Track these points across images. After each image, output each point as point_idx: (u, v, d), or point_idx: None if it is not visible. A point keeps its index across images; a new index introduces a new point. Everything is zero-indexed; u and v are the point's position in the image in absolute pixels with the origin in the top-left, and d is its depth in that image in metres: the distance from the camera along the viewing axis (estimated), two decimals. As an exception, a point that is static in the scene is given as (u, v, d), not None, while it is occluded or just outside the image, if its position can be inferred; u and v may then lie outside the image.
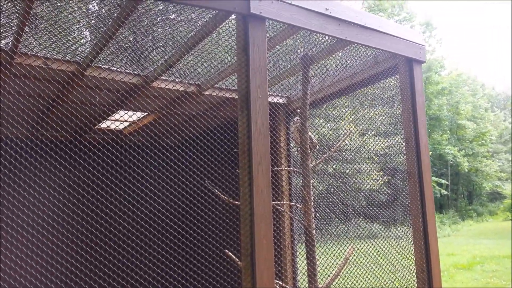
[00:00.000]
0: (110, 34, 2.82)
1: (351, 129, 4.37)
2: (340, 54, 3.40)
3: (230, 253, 2.82)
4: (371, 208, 4.27)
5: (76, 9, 3.32)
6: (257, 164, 2.19)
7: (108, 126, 5.15)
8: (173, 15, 3.03)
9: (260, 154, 2.21)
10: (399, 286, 3.30)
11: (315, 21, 2.62)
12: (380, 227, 4.27)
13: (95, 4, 3.50)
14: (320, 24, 2.65)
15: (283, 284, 2.87)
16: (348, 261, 3.05)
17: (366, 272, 3.44)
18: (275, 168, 3.91)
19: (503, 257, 12.76)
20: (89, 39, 3.91)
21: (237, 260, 2.87)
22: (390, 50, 3.05)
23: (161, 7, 2.96)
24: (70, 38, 3.64)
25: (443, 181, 30.45)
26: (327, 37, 3.04)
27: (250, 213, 2.14)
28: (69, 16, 3.30)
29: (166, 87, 3.80)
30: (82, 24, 3.62)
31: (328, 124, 4.63)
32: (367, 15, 2.95)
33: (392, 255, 3.46)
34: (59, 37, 3.39)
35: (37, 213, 5.05)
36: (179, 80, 3.87)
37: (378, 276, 3.39)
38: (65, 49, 3.47)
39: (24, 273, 4.99)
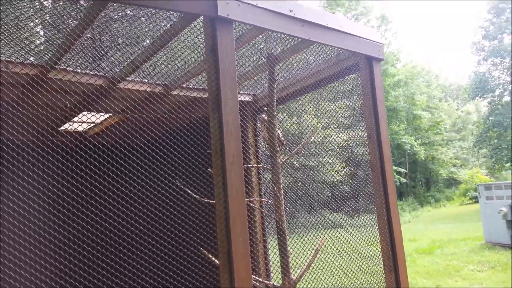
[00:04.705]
0: (75, 36, 2.79)
1: (315, 123, 4.50)
2: (304, 53, 3.50)
3: (205, 251, 2.87)
4: (335, 199, 4.42)
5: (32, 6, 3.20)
6: (230, 164, 2.26)
7: (72, 128, 5.03)
8: (144, 19, 3.03)
9: (232, 154, 2.28)
10: (366, 272, 3.47)
11: (280, 23, 2.71)
12: (344, 216, 4.44)
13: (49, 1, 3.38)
14: (284, 25, 2.73)
15: (259, 278, 2.95)
16: (319, 251, 3.17)
17: (336, 261, 3.59)
18: (245, 165, 3.98)
19: (460, 240, 13.47)
20: (43, 39, 3.79)
21: (212, 257, 2.93)
22: (351, 49, 3.18)
23: (129, 12, 2.95)
24: (26, 38, 3.52)
25: (402, 170, 31.64)
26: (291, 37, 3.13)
27: (225, 212, 2.20)
28: (25, 14, 3.19)
29: (132, 88, 3.77)
30: (37, 22, 3.50)
31: (293, 119, 4.75)
32: (329, 15, 3.06)
33: (358, 243, 3.63)
34: (16, 39, 3.29)
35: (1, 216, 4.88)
36: (146, 80, 3.85)
37: (348, 264, 3.55)
38: (24, 53, 3.37)
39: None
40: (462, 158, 42.11)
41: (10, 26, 3.11)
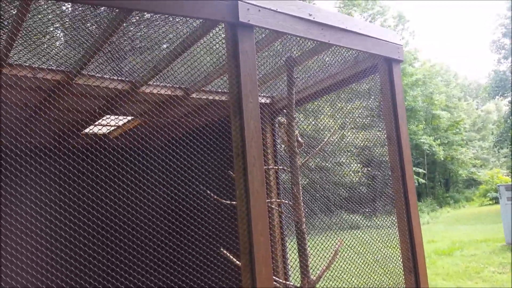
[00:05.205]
0: (101, 42, 2.88)
1: (332, 124, 4.51)
2: (323, 55, 3.53)
3: (226, 252, 2.93)
4: (353, 200, 4.41)
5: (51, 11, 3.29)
6: (252, 166, 2.31)
7: (94, 131, 5.16)
8: (161, 22, 3.10)
9: (253, 156, 2.33)
10: (385, 273, 3.48)
11: (300, 27, 2.75)
12: (362, 218, 4.43)
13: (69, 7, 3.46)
14: (304, 29, 2.77)
15: (278, 279, 3.00)
16: (338, 252, 3.20)
17: (355, 262, 3.60)
18: (265, 167, 4.02)
19: (481, 242, 13.24)
20: (63, 44, 3.88)
21: (232, 257, 2.98)
22: (370, 51, 3.20)
23: (147, 16, 3.03)
24: (51, 43, 3.63)
25: (420, 170, 31.21)
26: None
27: (247, 213, 2.25)
28: (46, 21, 3.28)
29: (154, 92, 3.86)
30: (56, 27, 3.59)
31: (310, 120, 4.77)
32: (348, 18, 3.09)
33: (377, 245, 3.64)
34: (45, 45, 3.40)
35: (24, 217, 5.03)
36: (167, 84, 3.93)
37: (366, 265, 3.56)
38: (51, 58, 3.48)
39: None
40: (482, 158, 41.33)
41: (36, 32, 3.22)
